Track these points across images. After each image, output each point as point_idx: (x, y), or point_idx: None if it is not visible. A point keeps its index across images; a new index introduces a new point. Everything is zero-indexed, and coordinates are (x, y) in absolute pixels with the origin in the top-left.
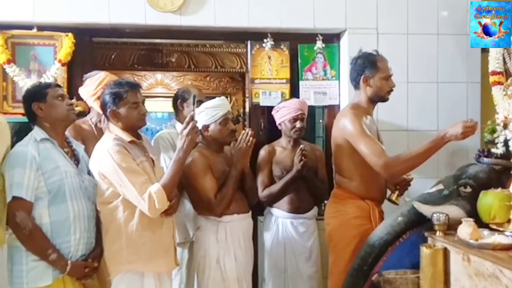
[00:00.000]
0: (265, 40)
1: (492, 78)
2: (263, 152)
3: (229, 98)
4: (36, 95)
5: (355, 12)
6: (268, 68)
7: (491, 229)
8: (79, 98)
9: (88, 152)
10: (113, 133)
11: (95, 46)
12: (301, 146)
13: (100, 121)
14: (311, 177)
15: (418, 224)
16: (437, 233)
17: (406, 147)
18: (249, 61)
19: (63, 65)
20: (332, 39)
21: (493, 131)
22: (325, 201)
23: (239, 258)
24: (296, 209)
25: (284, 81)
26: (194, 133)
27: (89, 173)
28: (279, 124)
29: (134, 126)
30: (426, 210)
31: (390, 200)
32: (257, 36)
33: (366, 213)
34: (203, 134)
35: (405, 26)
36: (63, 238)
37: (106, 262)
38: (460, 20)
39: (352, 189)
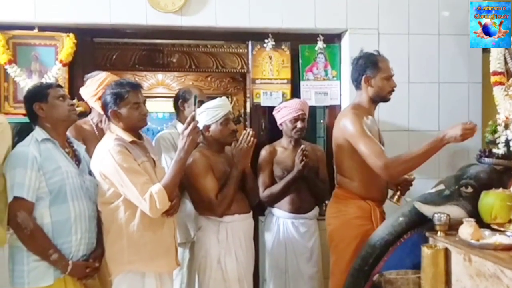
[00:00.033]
0: (266, 40)
1: (493, 78)
2: (264, 152)
3: (230, 98)
4: (37, 96)
5: (356, 12)
6: (269, 68)
7: (492, 229)
8: (80, 99)
9: (89, 152)
10: (114, 133)
11: (96, 47)
12: (302, 146)
13: (101, 121)
14: (312, 177)
15: (419, 224)
16: (438, 233)
17: (407, 147)
18: (250, 61)
19: (64, 65)
20: (333, 39)
21: (494, 131)
22: (326, 201)
23: (240, 258)
24: (297, 209)
25: (285, 81)
26: (195, 134)
27: (90, 173)
28: (280, 124)
29: (135, 127)
30: (427, 210)
31: (392, 200)
32: (258, 36)
33: (367, 213)
34: (204, 134)
35: (406, 26)
36: (64, 238)
37: (107, 262)
38: (461, 20)
39: (353, 189)
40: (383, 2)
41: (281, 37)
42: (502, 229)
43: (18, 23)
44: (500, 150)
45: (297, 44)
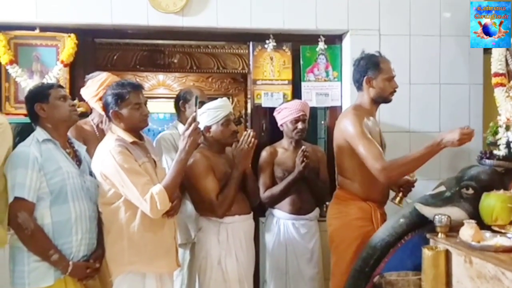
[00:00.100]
0: (267, 41)
1: (494, 80)
2: (264, 153)
3: (231, 99)
4: (39, 96)
5: (357, 13)
6: (270, 69)
7: (493, 231)
8: (81, 99)
9: (90, 153)
10: (115, 134)
11: (97, 47)
12: (303, 147)
13: (101, 122)
14: (312, 178)
15: (420, 226)
16: (439, 235)
17: (408, 149)
18: (251, 62)
19: (65, 66)
20: (334, 40)
21: (495, 133)
22: (327, 202)
23: (240, 259)
24: (298, 210)
25: (286, 82)
26: (196, 134)
27: (91, 174)
28: (281, 125)
29: (136, 127)
30: (428, 212)
31: (393, 201)
32: (259, 37)
33: (368, 215)
34: (205, 135)
35: (407, 27)
36: (65, 238)
37: (107, 263)
38: (462, 21)
39: (354, 191)
40: (384, 3)
41: (282, 38)
42: (503, 230)
43: (20, 24)
44: (501, 151)
45: (298, 45)
